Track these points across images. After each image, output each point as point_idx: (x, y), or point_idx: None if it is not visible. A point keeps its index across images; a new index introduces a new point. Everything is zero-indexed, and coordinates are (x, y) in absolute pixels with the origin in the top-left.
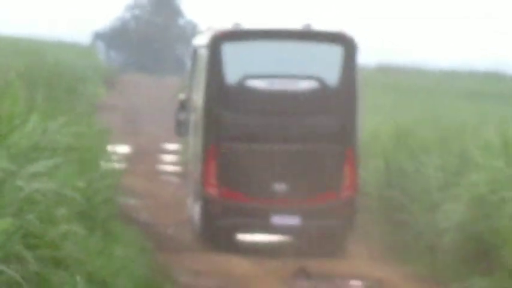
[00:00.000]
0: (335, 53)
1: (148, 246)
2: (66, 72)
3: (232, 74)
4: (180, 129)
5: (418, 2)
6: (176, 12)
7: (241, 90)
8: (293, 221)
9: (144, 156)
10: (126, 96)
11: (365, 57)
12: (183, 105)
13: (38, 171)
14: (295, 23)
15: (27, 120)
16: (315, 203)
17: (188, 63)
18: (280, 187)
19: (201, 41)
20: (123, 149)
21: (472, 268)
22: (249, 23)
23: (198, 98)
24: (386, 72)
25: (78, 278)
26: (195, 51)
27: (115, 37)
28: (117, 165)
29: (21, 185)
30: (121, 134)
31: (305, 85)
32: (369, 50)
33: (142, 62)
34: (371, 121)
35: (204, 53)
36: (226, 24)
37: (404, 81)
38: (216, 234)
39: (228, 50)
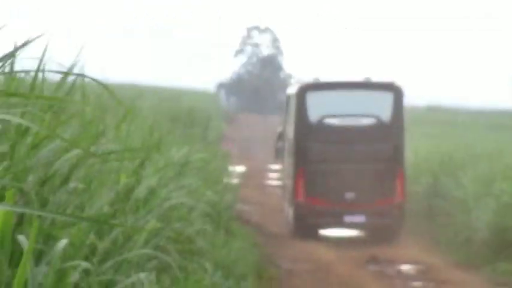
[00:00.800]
0: (388, 97)
1: (258, 241)
2: (199, 112)
3: (314, 114)
4: (278, 155)
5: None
6: (278, 68)
7: (321, 126)
8: (359, 219)
9: (255, 174)
10: (242, 130)
11: (417, 100)
12: (280, 137)
13: (179, 184)
14: (360, 75)
15: (171, 146)
16: (375, 206)
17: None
18: (350, 195)
19: (292, 90)
20: (240, 168)
21: (497, 256)
22: (327, 76)
23: (290, 131)
24: (434, 111)
25: (207, 264)
26: (288, 97)
27: (233, 86)
28: (235, 181)
29: (166, 196)
30: (238, 158)
31: (367, 121)
32: (420, 94)
33: (253, 105)
34: (422, 147)
35: (293, 99)
36: (309, 78)
37: (447, 118)
38: (305, 229)
39: (311, 97)
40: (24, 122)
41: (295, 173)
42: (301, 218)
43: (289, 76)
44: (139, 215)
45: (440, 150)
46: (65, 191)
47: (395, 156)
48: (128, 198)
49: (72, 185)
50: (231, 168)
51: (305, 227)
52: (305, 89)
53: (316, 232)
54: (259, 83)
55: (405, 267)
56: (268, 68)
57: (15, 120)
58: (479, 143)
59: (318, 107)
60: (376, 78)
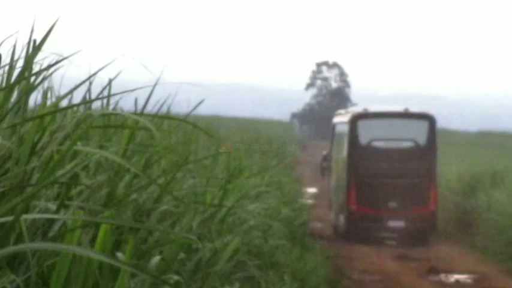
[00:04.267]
0: (423, 125)
1: (330, 254)
2: (275, 139)
3: (363, 138)
4: (323, 172)
5: None
6: (345, 99)
7: (369, 148)
8: (400, 224)
9: (326, 195)
10: (313, 156)
11: (469, 125)
12: (325, 158)
13: (259, 205)
14: (400, 106)
15: (251, 171)
16: (413, 213)
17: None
18: (392, 204)
19: (342, 118)
20: (312, 190)
21: None
22: (374, 107)
23: (342, 152)
24: (486, 136)
25: (285, 276)
26: (334, 125)
27: (305, 116)
28: (308, 201)
29: (247, 216)
30: (310, 180)
31: (406, 144)
32: (472, 119)
33: (324, 133)
34: (473, 167)
35: (346, 126)
36: (360, 108)
37: (498, 142)
38: (355, 231)
39: (361, 124)
40: (124, 163)
41: (348, 186)
42: (353, 222)
43: (356, 106)
44: (223, 234)
45: (491, 169)
46: (157, 214)
47: (429, 172)
48: (213, 218)
49: (162, 207)
50: (305, 189)
51: (355, 230)
52: (357, 118)
53: (364, 234)
54: (328, 112)
55: (462, 277)
56: (336, 99)
57: (114, 158)
58: None
59: (366, 133)
60: (413, 109)
